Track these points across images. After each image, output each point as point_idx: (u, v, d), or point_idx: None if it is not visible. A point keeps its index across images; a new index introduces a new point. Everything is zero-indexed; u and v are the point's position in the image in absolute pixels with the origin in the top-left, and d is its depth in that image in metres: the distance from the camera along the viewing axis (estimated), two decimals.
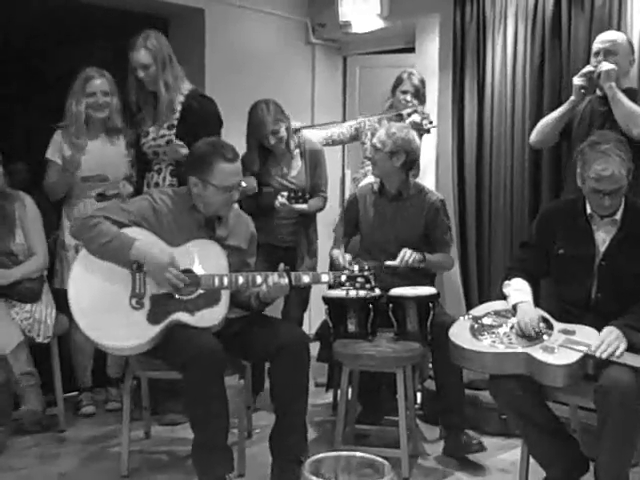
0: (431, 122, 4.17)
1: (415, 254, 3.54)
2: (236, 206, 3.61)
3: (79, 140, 3.90)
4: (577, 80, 3.70)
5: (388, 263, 3.53)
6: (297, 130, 4.20)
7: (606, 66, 3.59)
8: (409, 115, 4.27)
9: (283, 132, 4.04)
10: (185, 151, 3.79)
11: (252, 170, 4.04)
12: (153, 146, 3.92)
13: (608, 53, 3.67)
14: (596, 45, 3.74)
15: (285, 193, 3.95)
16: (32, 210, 3.83)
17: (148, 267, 3.02)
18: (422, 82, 4.53)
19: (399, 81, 4.51)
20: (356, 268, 3.13)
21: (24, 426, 3.62)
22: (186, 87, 3.93)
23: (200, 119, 3.84)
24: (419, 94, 4.49)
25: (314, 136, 4.51)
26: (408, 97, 4.45)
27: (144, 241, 3.04)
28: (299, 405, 3.11)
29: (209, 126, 3.81)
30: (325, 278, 3.14)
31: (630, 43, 3.79)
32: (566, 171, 3.92)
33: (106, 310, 3.00)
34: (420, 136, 4.12)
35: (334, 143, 4.73)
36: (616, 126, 3.52)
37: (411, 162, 3.74)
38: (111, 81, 3.95)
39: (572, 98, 3.73)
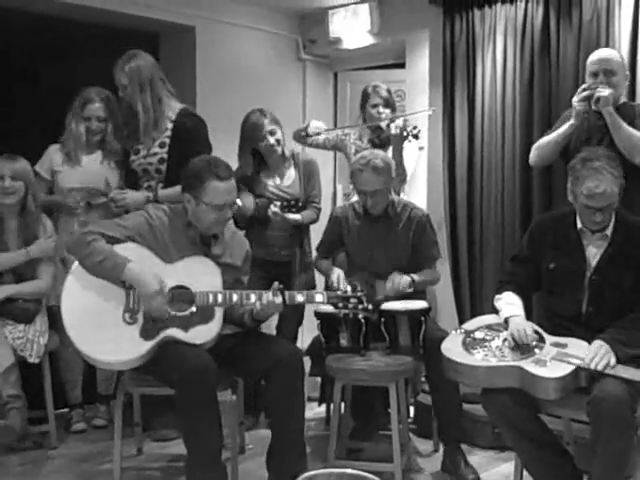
0: (415, 127, 4.12)
1: (403, 278, 3.58)
2: (231, 223, 3.62)
3: (76, 157, 3.99)
4: (579, 105, 3.58)
5: (379, 299, 3.53)
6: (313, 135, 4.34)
7: (605, 91, 3.50)
8: (388, 126, 4.27)
9: (279, 134, 4.05)
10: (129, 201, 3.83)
11: (245, 174, 4.02)
12: (143, 164, 3.92)
13: (608, 74, 3.59)
14: (593, 66, 3.64)
15: (278, 202, 3.95)
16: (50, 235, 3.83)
17: (138, 291, 3.02)
18: (388, 91, 4.52)
19: (366, 97, 4.49)
20: (349, 289, 3.15)
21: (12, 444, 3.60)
22: (176, 106, 3.93)
23: (192, 137, 3.85)
24: (389, 103, 4.48)
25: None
26: (380, 109, 4.43)
27: (137, 264, 3.03)
28: (296, 421, 3.10)
29: (200, 144, 3.82)
30: (319, 298, 3.15)
31: (623, 59, 3.77)
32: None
33: (99, 324, 2.99)
34: (407, 141, 4.12)
35: (318, 147, 4.65)
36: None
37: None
38: (109, 103, 4.01)
39: (573, 122, 3.62)
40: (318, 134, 4.45)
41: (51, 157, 4.03)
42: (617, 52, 3.80)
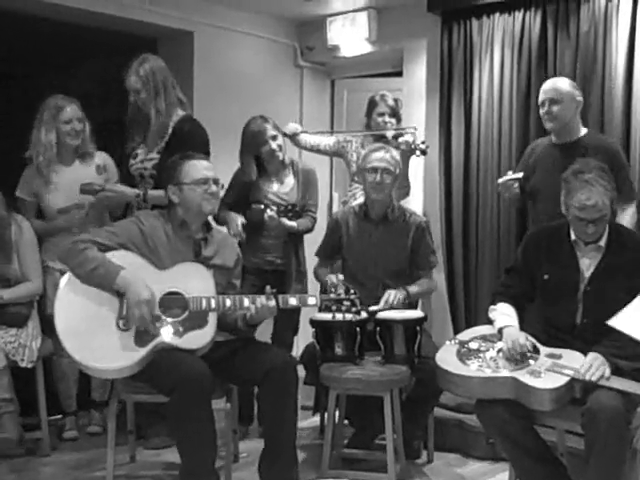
0: (424, 142, 4.08)
1: (399, 294, 3.59)
2: (224, 229, 3.61)
3: (49, 169, 3.88)
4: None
5: (372, 308, 3.52)
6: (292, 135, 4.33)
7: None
8: (396, 138, 4.25)
9: (281, 140, 4.06)
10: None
11: (250, 179, 4.02)
12: (139, 168, 3.90)
13: (552, 102, 3.63)
14: (540, 96, 3.71)
15: (275, 207, 3.95)
16: (28, 235, 3.78)
17: (127, 298, 3.00)
18: (396, 101, 4.51)
19: (373, 104, 4.48)
20: (342, 291, 3.15)
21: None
22: (179, 113, 3.90)
23: (187, 140, 3.78)
24: (396, 113, 4.48)
25: (307, 140, 4.56)
26: (386, 118, 4.42)
27: (130, 271, 3.02)
28: (287, 429, 3.09)
29: (194, 147, 3.78)
30: (312, 301, 3.15)
31: (575, 87, 3.74)
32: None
33: (93, 332, 2.97)
34: (414, 156, 4.10)
35: (319, 152, 4.65)
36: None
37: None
38: (80, 107, 3.96)
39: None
40: (296, 135, 4.45)
41: (29, 181, 3.93)
42: (567, 80, 3.77)
